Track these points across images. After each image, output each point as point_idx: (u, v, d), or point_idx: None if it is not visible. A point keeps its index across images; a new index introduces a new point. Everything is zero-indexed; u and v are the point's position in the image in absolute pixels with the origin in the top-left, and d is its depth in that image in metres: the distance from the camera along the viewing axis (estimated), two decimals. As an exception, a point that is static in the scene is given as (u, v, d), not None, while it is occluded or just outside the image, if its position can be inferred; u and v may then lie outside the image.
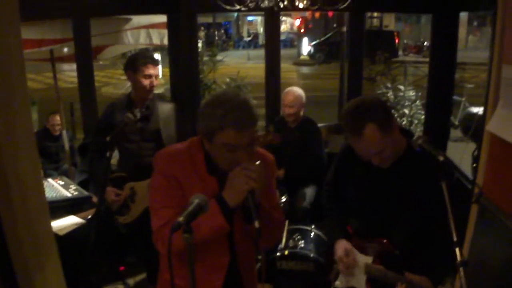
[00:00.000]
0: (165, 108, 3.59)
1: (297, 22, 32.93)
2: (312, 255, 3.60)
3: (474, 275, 2.51)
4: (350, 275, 2.51)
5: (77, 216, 3.72)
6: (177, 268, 1.68)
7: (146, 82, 3.43)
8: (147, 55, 3.56)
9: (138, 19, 5.45)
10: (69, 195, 3.87)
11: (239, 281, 2.18)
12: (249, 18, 38.42)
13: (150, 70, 3.43)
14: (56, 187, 4.01)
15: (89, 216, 3.75)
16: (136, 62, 3.42)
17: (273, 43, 5.27)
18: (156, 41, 5.66)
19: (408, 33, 31.75)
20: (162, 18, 5.47)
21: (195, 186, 1.96)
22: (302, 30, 31.58)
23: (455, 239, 1.73)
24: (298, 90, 4.62)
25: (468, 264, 1.68)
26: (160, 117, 3.52)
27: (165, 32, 5.50)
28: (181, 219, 1.53)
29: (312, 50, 27.45)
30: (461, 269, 1.66)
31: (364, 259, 2.44)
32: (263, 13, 5.09)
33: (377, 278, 2.37)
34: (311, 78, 21.17)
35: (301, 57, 28.11)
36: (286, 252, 3.64)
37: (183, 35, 5.13)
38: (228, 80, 8.62)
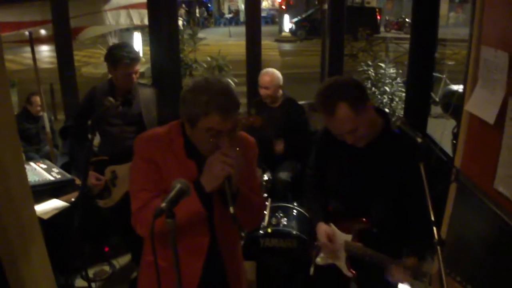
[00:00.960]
0: (146, 93, 3.59)
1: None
2: (294, 232, 3.64)
3: (454, 251, 2.58)
4: (331, 252, 2.58)
5: (61, 199, 3.71)
6: (159, 250, 1.69)
7: (126, 79, 3.44)
8: (126, 53, 3.42)
9: (118, 0, 5.38)
10: (52, 178, 3.84)
11: (220, 262, 2.21)
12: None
13: (130, 69, 3.42)
14: (39, 171, 3.98)
15: (73, 199, 3.75)
16: (115, 61, 3.39)
17: (253, 21, 5.23)
18: (136, 21, 5.61)
19: (390, 10, 31.76)
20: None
21: (173, 170, 1.99)
22: (284, 7, 31.40)
23: (432, 218, 1.78)
24: (273, 71, 4.60)
25: (444, 243, 1.72)
26: (142, 101, 3.53)
27: (145, 12, 5.44)
28: (163, 205, 1.54)
29: (293, 27, 27.33)
30: (438, 248, 1.71)
31: (344, 237, 2.50)
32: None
33: (356, 255, 2.44)
34: (292, 55, 21.12)
35: (283, 33, 27.93)
36: (269, 230, 3.68)
37: (163, 15, 5.07)
38: (209, 59, 8.56)
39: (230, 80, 7.71)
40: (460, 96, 3.09)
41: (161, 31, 5.12)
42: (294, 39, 26.27)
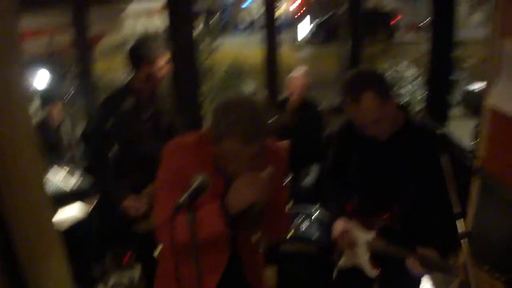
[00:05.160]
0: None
1: (296, 4, 32.88)
2: (314, 237, 3.62)
3: (478, 249, 2.52)
4: (353, 253, 2.54)
5: (83, 203, 3.74)
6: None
7: (163, 71, 3.12)
8: (159, 42, 3.16)
9: (137, 6, 5.41)
10: (73, 183, 3.89)
11: (240, 275, 2.18)
12: (245, 4, 38.42)
13: (166, 58, 3.11)
14: (61, 176, 4.02)
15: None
16: (151, 53, 3.03)
17: (269, 26, 5.23)
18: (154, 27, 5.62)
19: (407, 13, 31.57)
20: (160, 4, 5.42)
21: None
22: (303, 9, 31.49)
23: (456, 210, 1.74)
24: (301, 73, 4.61)
25: (471, 235, 1.69)
26: (167, 110, 3.30)
27: (163, 17, 5.45)
28: (182, 199, 1.53)
29: (312, 32, 27.32)
30: (463, 240, 1.67)
31: (366, 236, 2.46)
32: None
33: (380, 253, 2.40)
34: (311, 59, 21.03)
35: (301, 38, 27.88)
36: (289, 235, 3.65)
37: (180, 20, 5.07)
38: (227, 65, 8.59)
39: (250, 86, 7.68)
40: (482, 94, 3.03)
41: (179, 36, 5.14)
42: (313, 43, 26.19)
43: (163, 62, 3.07)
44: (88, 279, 4.00)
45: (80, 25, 4.72)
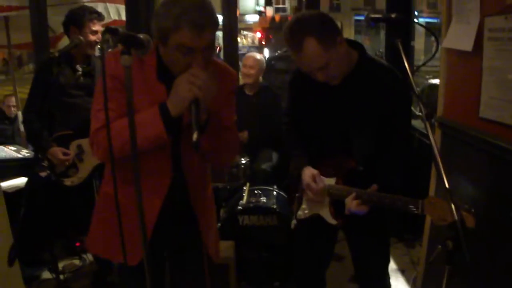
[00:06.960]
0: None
1: (258, 34, 33.36)
2: (274, 206, 3.53)
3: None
4: (313, 202, 2.40)
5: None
6: (119, 184, 1.53)
7: (93, 38, 3.28)
8: (92, 10, 3.39)
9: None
10: (20, 156, 3.72)
11: (185, 198, 2.07)
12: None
13: (97, 26, 3.30)
14: (7, 151, 3.86)
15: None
16: (81, 18, 3.26)
17: (231, 55, 5.28)
18: (113, 16, 5.55)
19: (368, 45, 32.46)
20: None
21: (141, 92, 1.81)
22: (264, 42, 31.94)
23: (417, 93, 1.68)
24: (259, 55, 4.66)
25: (432, 116, 1.62)
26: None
27: (122, 7, 5.39)
28: (121, 31, 1.42)
29: (273, 62, 27.67)
30: (427, 123, 1.61)
31: (327, 182, 2.34)
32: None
33: (340, 198, 2.26)
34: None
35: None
36: (248, 206, 3.57)
37: (141, 11, 5.01)
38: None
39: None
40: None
41: (139, 28, 5.05)
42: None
43: (93, 29, 3.27)
44: (36, 263, 3.88)
45: (37, 6, 4.57)
